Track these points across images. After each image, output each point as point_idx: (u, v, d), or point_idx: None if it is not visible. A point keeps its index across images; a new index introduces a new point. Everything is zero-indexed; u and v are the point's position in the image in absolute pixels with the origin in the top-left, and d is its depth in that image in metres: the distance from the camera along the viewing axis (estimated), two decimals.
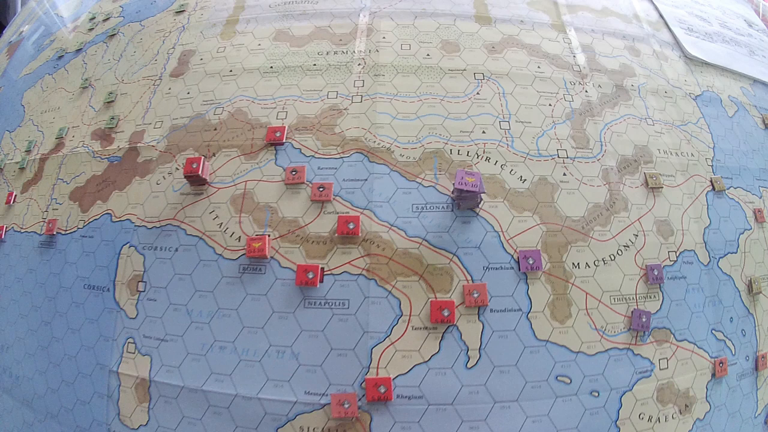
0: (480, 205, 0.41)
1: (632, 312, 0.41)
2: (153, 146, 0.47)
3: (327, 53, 0.50)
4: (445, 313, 0.38)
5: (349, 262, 0.40)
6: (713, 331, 0.44)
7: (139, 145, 0.48)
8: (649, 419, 0.40)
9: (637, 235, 0.43)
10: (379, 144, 0.44)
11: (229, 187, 0.43)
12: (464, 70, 0.49)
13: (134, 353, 0.40)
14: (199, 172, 0.42)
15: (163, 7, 0.60)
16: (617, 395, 0.39)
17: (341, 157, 0.43)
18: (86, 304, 0.43)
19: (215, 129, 0.46)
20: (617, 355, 0.40)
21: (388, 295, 0.39)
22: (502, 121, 0.46)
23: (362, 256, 0.40)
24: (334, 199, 0.42)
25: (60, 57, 0.63)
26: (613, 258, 0.42)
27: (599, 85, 0.51)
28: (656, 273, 0.42)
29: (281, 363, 0.38)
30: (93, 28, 0.63)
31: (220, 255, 0.41)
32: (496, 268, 0.40)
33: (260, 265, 0.40)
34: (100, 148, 0.50)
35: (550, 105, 0.48)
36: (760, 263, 0.49)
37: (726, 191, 0.50)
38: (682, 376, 0.42)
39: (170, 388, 0.39)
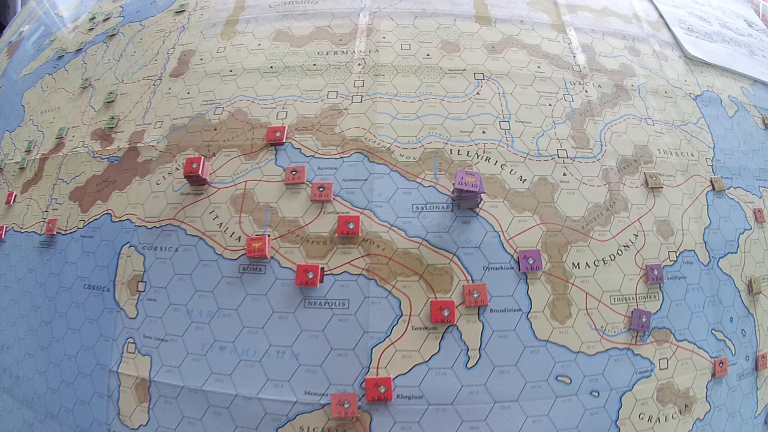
0: (480, 205, 0.41)
1: (632, 312, 0.41)
2: (153, 146, 0.47)
3: (327, 53, 0.50)
4: (445, 313, 0.38)
5: (349, 262, 0.40)
6: (713, 331, 0.44)
7: (139, 145, 0.48)
8: (649, 419, 0.40)
9: (637, 235, 0.44)
10: (379, 144, 0.44)
11: (229, 187, 0.43)
12: (464, 70, 0.49)
13: (134, 353, 0.40)
14: (199, 172, 0.42)
15: (163, 7, 0.60)
16: (617, 395, 0.39)
17: (341, 157, 0.43)
18: (86, 304, 0.43)
19: (215, 129, 0.46)
20: (617, 355, 0.40)
21: (388, 295, 0.39)
22: (502, 121, 0.46)
23: (362, 256, 0.40)
24: (334, 199, 0.42)
25: (60, 57, 0.63)
26: (613, 258, 0.42)
27: (599, 85, 0.51)
28: (656, 273, 0.42)
29: (281, 363, 0.38)
30: (93, 28, 0.63)
31: (220, 255, 0.41)
32: (496, 268, 0.40)
33: (260, 265, 0.40)
34: (100, 148, 0.50)
35: (550, 105, 0.48)
36: (760, 263, 0.49)
37: (726, 191, 0.50)
38: (682, 376, 0.42)
39: (170, 388, 0.39)
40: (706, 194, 0.48)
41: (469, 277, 0.39)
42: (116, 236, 0.44)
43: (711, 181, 0.49)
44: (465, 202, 0.41)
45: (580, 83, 0.50)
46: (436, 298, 0.39)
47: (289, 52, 0.51)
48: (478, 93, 0.47)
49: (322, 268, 0.39)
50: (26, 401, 0.45)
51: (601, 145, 0.47)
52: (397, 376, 0.37)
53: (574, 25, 0.56)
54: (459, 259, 0.40)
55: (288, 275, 0.39)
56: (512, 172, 0.43)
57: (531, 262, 0.40)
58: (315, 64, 0.49)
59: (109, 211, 0.46)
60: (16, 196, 0.53)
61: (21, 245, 0.49)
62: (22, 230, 0.50)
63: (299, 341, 0.38)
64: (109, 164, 0.48)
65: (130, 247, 0.43)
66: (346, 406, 0.36)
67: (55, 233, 0.47)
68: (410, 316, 0.38)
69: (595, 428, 0.39)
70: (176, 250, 0.42)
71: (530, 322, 0.39)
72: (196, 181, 0.43)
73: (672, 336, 0.42)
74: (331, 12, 0.54)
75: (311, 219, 0.41)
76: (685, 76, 0.56)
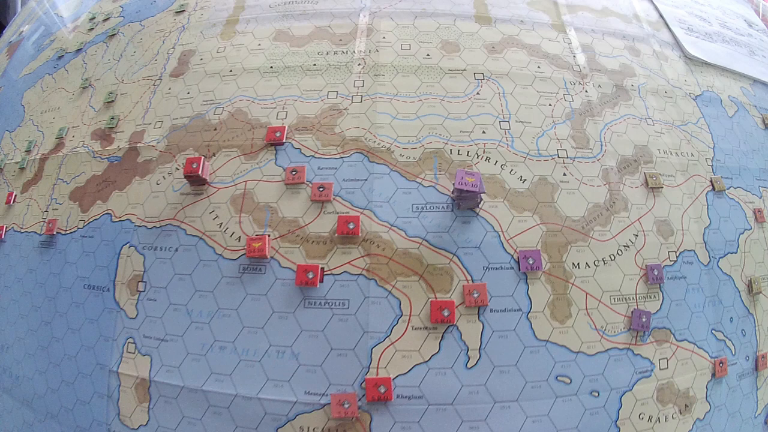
0: (480, 205, 0.41)
1: (632, 312, 0.41)
2: (153, 146, 0.47)
3: (327, 53, 0.50)
4: (445, 313, 0.38)
5: (349, 262, 0.40)
6: (713, 331, 0.44)
7: (139, 145, 0.48)
8: (649, 419, 0.40)
9: (637, 235, 0.43)
10: (379, 144, 0.44)
11: (229, 187, 0.43)
12: (464, 70, 0.49)
13: (134, 353, 0.40)
14: (199, 172, 0.42)
15: (163, 7, 0.60)
16: (617, 395, 0.39)
17: (341, 157, 0.43)
18: (86, 304, 0.43)
19: (215, 129, 0.46)
20: (617, 355, 0.40)
21: (388, 295, 0.39)
22: (502, 121, 0.46)
23: (362, 256, 0.40)
24: (334, 199, 0.42)
25: (60, 57, 0.63)
26: (613, 258, 0.42)
27: (599, 85, 0.51)
28: (656, 273, 0.42)
29: (281, 363, 0.38)
30: (93, 28, 0.63)
31: (220, 255, 0.41)
32: (496, 268, 0.40)
33: (260, 265, 0.40)
34: (100, 148, 0.50)
35: (550, 105, 0.48)
36: (760, 263, 0.49)
37: (726, 191, 0.50)
38: (682, 376, 0.42)
39: (170, 388, 0.39)
40: (706, 194, 0.48)
41: (469, 277, 0.39)
42: (116, 236, 0.44)
43: (711, 181, 0.49)
44: (465, 202, 0.41)
45: (580, 83, 0.50)
46: (436, 298, 0.39)
47: (289, 52, 0.51)
48: (478, 93, 0.47)
49: (322, 268, 0.39)
50: (26, 401, 0.45)
51: (601, 145, 0.47)
52: (397, 376, 0.37)
53: (574, 25, 0.56)
54: (459, 259, 0.40)
55: (288, 275, 0.39)
56: (512, 172, 0.43)
57: (531, 262, 0.40)
58: (315, 64, 0.49)
59: (109, 211, 0.46)
60: (16, 196, 0.53)
61: (21, 245, 0.49)
62: (22, 230, 0.50)
63: (299, 341, 0.38)
64: (109, 164, 0.48)
65: (130, 247, 0.43)
66: (346, 406, 0.36)
67: (55, 233, 0.47)
68: (410, 316, 0.38)
69: (595, 428, 0.39)
70: (176, 250, 0.42)
71: (530, 322, 0.39)
72: (196, 181, 0.43)
73: (672, 336, 0.42)
74: (331, 12, 0.54)
75: (311, 219, 0.41)
76: (685, 76, 0.56)
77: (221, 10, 0.57)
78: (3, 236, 0.51)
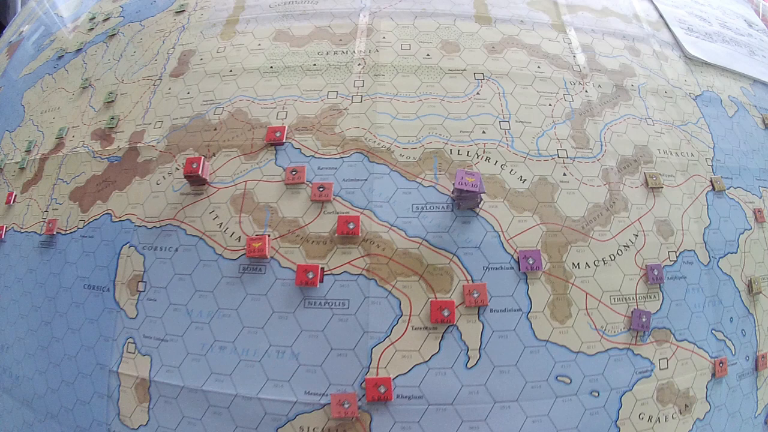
0: (480, 205, 0.41)
1: (632, 312, 0.41)
2: (153, 146, 0.47)
3: (327, 53, 0.50)
4: (445, 313, 0.38)
5: (349, 262, 0.40)
6: (713, 331, 0.44)
7: (139, 145, 0.48)
8: (649, 419, 0.40)
9: (637, 235, 0.44)
10: (379, 144, 0.44)
11: (229, 187, 0.43)
12: (464, 70, 0.49)
13: (134, 353, 0.40)
14: (199, 172, 0.42)
15: (163, 7, 0.60)
16: (617, 395, 0.39)
17: (341, 157, 0.43)
18: (86, 304, 0.43)
19: (215, 129, 0.46)
20: (617, 355, 0.40)
21: (388, 295, 0.39)
22: (502, 121, 0.46)
23: (362, 256, 0.40)
24: (334, 199, 0.42)
25: (60, 57, 0.63)
26: (613, 258, 0.42)
27: (599, 85, 0.51)
28: (656, 273, 0.42)
29: (281, 363, 0.38)
30: (93, 28, 0.63)
31: (220, 255, 0.41)
32: (496, 268, 0.40)
33: (260, 265, 0.40)
34: (100, 148, 0.50)
35: (550, 105, 0.48)
36: (760, 263, 0.49)
37: (726, 191, 0.50)
38: (682, 376, 0.42)
39: (170, 388, 0.39)
40: (706, 194, 0.48)
41: (469, 277, 0.39)
42: (116, 236, 0.44)
43: (711, 181, 0.49)
44: (465, 202, 0.41)
45: (580, 83, 0.50)
46: (436, 298, 0.39)
47: (289, 52, 0.51)
48: (478, 93, 0.47)
49: (322, 268, 0.39)
50: (26, 401, 0.45)
51: (601, 145, 0.47)
52: (397, 376, 0.37)
53: (574, 25, 0.56)
54: (459, 259, 0.40)
55: (288, 275, 0.39)
56: (512, 172, 0.43)
57: (531, 262, 0.40)
58: (315, 64, 0.49)
59: (109, 211, 0.46)
60: (16, 196, 0.53)
61: (21, 245, 0.49)
62: (22, 230, 0.50)
63: (299, 341, 0.38)
64: (109, 164, 0.48)
65: (130, 247, 0.43)
66: (346, 406, 0.36)
67: (55, 233, 0.47)
68: (410, 316, 0.38)
69: (595, 428, 0.39)
70: (176, 250, 0.42)
71: (530, 322, 0.39)
72: (196, 181, 0.43)
73: (672, 336, 0.42)
74: (331, 12, 0.54)
75: (311, 219, 0.41)
76: (685, 76, 0.56)
77: (221, 10, 0.57)
78: (3, 236, 0.51)
